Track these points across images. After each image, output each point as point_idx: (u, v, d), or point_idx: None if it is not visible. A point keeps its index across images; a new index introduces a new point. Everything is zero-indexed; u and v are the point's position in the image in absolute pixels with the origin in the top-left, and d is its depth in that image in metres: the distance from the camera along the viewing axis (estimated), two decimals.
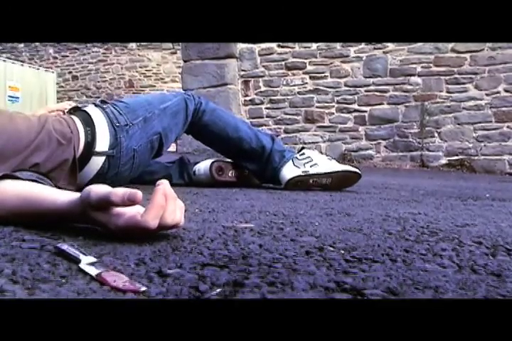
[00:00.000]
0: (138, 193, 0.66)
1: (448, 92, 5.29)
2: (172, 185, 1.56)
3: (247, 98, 5.85)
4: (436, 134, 5.29)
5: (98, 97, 10.72)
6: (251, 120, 5.82)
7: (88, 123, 1.30)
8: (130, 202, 0.66)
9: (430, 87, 5.28)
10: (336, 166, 1.63)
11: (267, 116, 5.76)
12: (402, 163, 5.29)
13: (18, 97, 8.37)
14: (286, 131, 5.71)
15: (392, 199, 1.38)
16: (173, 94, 1.63)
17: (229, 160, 1.71)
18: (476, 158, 5.21)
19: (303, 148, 1.69)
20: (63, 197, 0.76)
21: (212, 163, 1.66)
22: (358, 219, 0.95)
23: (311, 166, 1.60)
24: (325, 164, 1.62)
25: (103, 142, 1.30)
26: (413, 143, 5.31)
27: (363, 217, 0.97)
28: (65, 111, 1.38)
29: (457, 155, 5.23)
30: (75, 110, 1.37)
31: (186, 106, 1.60)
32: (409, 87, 5.33)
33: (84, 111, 1.34)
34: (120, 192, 0.66)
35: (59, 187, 1.20)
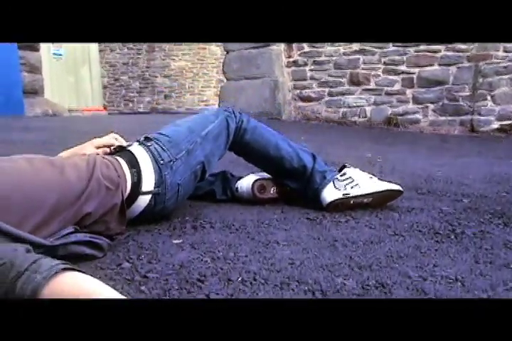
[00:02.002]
0: None
1: (505, 52, 5.01)
2: (216, 200, 1.62)
3: (290, 59, 5.73)
4: (489, 97, 5.08)
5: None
6: (294, 82, 5.72)
7: (133, 164, 1.35)
8: None
9: (485, 46, 5.00)
10: (378, 186, 1.64)
11: (310, 78, 5.65)
12: (450, 128, 5.15)
13: (61, 54, 8.46)
14: (330, 94, 5.60)
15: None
16: (213, 114, 1.64)
17: (270, 176, 1.73)
18: None
19: (344, 166, 1.70)
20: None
21: (255, 181, 1.69)
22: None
23: (351, 187, 1.61)
24: (366, 184, 1.62)
25: (149, 181, 1.36)
26: (463, 106, 5.12)
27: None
28: (111, 148, 1.43)
29: (510, 120, 5.02)
30: (119, 149, 1.41)
31: (228, 125, 1.62)
32: (462, 47, 5.06)
33: (129, 151, 1.39)
34: None
35: (110, 228, 1.28)
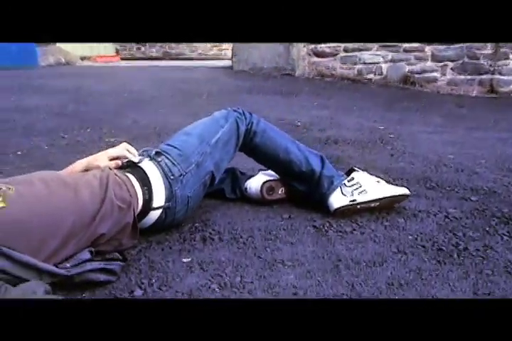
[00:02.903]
0: None
1: None
2: (225, 199, 1.66)
3: None
4: (511, 56, 4.91)
5: None
6: None
7: (145, 181, 1.37)
8: None
9: None
10: (385, 191, 1.65)
11: None
12: (468, 88, 5.03)
13: None
14: (345, 50, 5.45)
15: None
16: (224, 117, 1.63)
17: (279, 177, 1.75)
18: None
19: (352, 170, 1.70)
20: None
21: (263, 183, 1.71)
22: None
23: (358, 193, 1.63)
24: (373, 190, 1.64)
25: (159, 198, 1.39)
26: (484, 65, 4.97)
27: None
28: (123, 162, 1.45)
29: None
30: (131, 164, 1.43)
31: (238, 127, 1.62)
32: None
33: (140, 167, 1.41)
34: None
35: (122, 244, 1.33)
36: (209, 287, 1.18)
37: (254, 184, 1.73)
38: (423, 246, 1.43)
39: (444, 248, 1.43)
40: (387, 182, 1.73)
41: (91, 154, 1.48)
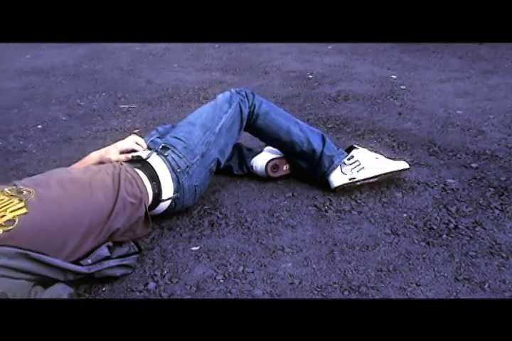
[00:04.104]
0: None
1: None
2: (233, 175, 1.78)
3: None
4: None
5: None
6: None
7: (153, 177, 1.48)
8: None
9: None
10: (384, 167, 1.72)
11: None
12: None
13: None
14: None
15: None
16: (227, 101, 1.69)
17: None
18: None
19: (353, 147, 1.77)
20: None
21: (268, 162, 1.80)
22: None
23: (358, 171, 1.71)
24: (372, 167, 1.71)
25: (168, 190, 1.50)
26: None
27: None
28: (132, 156, 1.54)
29: None
30: (139, 160, 1.52)
31: (241, 111, 1.69)
32: None
33: (148, 163, 1.50)
34: None
35: (137, 234, 1.47)
36: (214, 278, 1.32)
37: (260, 162, 1.82)
38: (415, 226, 1.53)
39: (435, 226, 1.52)
40: (388, 158, 1.79)
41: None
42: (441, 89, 2.88)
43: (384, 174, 1.72)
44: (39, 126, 2.49)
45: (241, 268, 1.36)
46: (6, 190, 1.31)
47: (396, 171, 1.73)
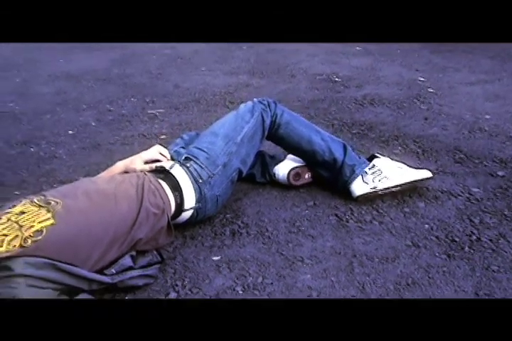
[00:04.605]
0: None
1: None
2: (255, 182, 1.79)
3: None
4: None
5: None
6: None
7: (176, 187, 1.51)
8: None
9: None
10: (406, 176, 1.71)
11: None
12: None
13: None
14: None
15: None
16: (249, 111, 1.70)
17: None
18: None
19: (374, 156, 1.76)
20: None
21: (290, 170, 1.81)
22: None
23: (379, 180, 1.70)
24: (395, 176, 1.70)
25: (190, 200, 1.53)
26: None
27: None
28: (156, 166, 1.58)
29: None
30: (162, 171, 1.56)
31: (263, 121, 1.70)
32: None
33: (171, 174, 1.54)
34: None
35: (159, 243, 1.51)
36: (234, 289, 1.35)
37: (282, 170, 1.84)
38: (437, 237, 1.52)
39: (457, 239, 1.51)
40: (411, 167, 1.78)
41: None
42: (469, 93, 2.83)
43: (406, 183, 1.71)
44: (70, 132, 2.56)
45: (260, 279, 1.38)
46: (35, 200, 1.36)
47: (419, 180, 1.72)
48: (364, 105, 2.71)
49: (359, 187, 1.71)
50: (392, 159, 1.78)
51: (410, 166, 1.78)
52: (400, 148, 2.16)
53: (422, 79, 3.12)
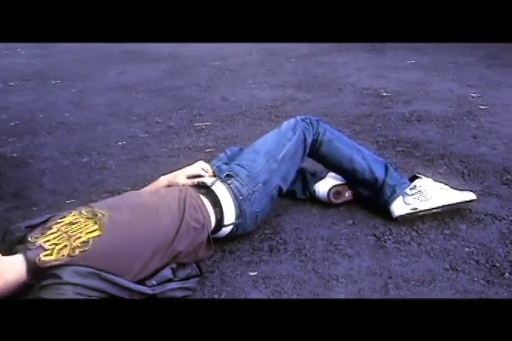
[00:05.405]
0: None
1: None
2: (296, 199, 1.81)
3: None
4: None
5: None
6: None
7: (216, 203, 1.56)
8: None
9: None
10: (448, 198, 1.69)
11: None
12: None
13: None
14: None
15: None
16: (291, 128, 1.73)
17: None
18: None
19: (416, 177, 1.75)
20: None
21: (331, 188, 1.83)
22: None
23: (420, 201, 1.69)
24: (436, 197, 1.68)
25: (230, 216, 1.57)
26: None
27: None
28: (198, 182, 1.63)
29: None
30: (204, 186, 1.61)
31: (305, 139, 1.73)
32: None
33: (212, 190, 1.59)
34: None
35: (199, 256, 1.55)
36: None
37: (322, 188, 1.85)
38: (476, 262, 1.50)
39: (497, 264, 1.48)
40: (454, 188, 1.75)
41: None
42: None
43: (448, 205, 1.69)
44: (120, 143, 2.66)
45: (294, 296, 1.40)
46: (83, 211, 1.44)
47: (461, 202, 1.70)
48: (411, 122, 2.68)
49: (399, 208, 1.70)
50: (435, 180, 1.76)
51: (454, 187, 1.75)
52: (445, 167, 2.13)
53: (473, 95, 3.06)
